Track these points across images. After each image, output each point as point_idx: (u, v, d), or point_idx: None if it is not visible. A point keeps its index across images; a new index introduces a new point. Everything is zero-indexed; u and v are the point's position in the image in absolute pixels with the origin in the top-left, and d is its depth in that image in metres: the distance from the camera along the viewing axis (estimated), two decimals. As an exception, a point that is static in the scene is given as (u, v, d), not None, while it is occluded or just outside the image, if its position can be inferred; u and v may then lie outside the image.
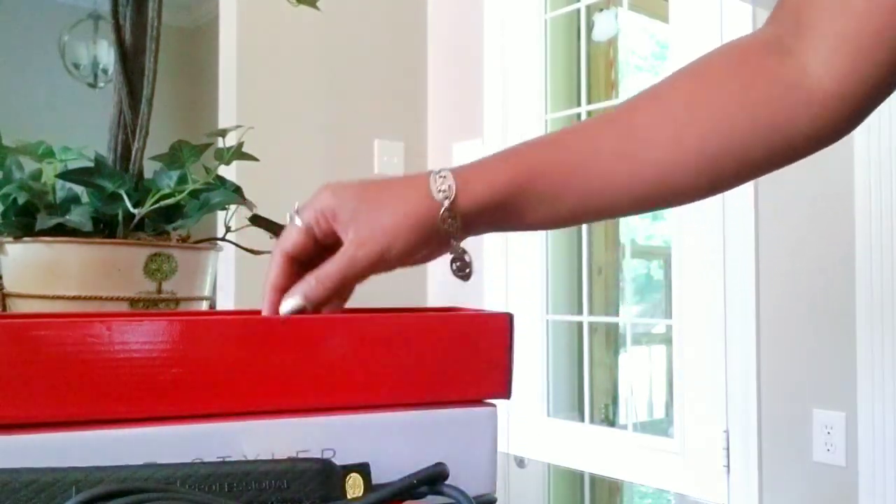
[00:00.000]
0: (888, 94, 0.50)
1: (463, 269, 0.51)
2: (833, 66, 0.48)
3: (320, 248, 0.50)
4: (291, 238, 0.49)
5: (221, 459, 0.39)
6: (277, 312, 0.48)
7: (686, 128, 0.50)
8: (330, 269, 0.47)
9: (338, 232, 0.48)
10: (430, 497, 0.39)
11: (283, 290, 0.48)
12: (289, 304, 0.47)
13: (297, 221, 0.49)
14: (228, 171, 0.78)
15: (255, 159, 0.75)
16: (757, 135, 0.49)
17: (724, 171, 0.50)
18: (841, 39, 0.48)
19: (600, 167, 0.50)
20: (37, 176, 0.69)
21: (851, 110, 0.50)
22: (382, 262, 0.48)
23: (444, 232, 0.48)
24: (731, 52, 0.52)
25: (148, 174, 0.72)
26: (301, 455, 0.40)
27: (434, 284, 2.66)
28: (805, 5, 0.50)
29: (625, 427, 2.49)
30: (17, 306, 0.67)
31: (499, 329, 0.45)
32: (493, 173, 0.50)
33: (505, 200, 0.50)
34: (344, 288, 0.48)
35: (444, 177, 0.49)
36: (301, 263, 0.49)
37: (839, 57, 0.48)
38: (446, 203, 0.48)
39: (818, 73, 0.49)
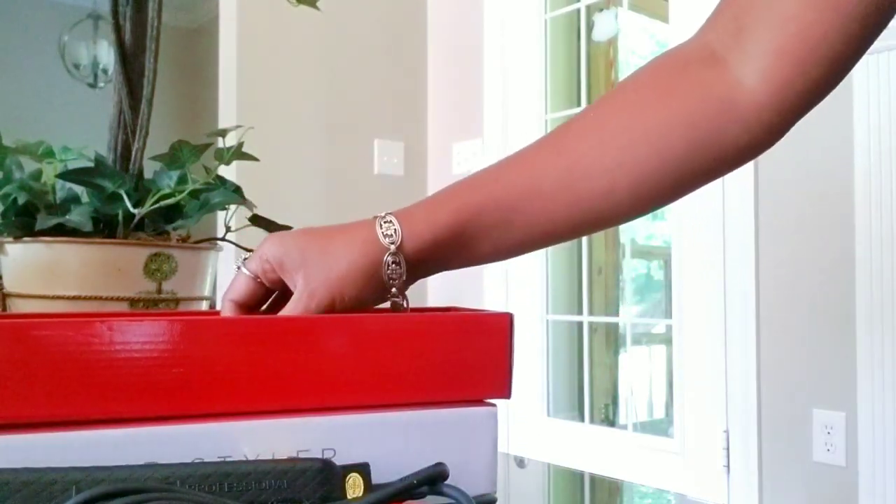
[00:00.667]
0: (816, 104, 0.51)
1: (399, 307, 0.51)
2: (770, 80, 0.49)
3: (268, 292, 0.51)
4: (239, 287, 0.50)
5: (222, 459, 0.39)
6: None
7: (624, 154, 0.50)
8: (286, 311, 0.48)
9: (286, 280, 0.49)
10: (430, 497, 0.39)
11: (246, 308, 0.50)
12: None
13: (245, 270, 0.50)
14: (228, 171, 0.78)
15: (255, 159, 0.75)
16: (692, 151, 0.50)
17: (661, 190, 0.52)
18: (779, 54, 0.49)
19: (542, 202, 0.51)
20: (37, 176, 0.69)
21: (784, 121, 0.51)
22: (334, 311, 0.48)
23: (387, 278, 0.49)
24: (668, 64, 0.53)
25: (148, 174, 0.72)
26: (301, 455, 0.40)
27: (434, 284, 2.66)
28: (744, 18, 0.51)
29: (625, 427, 2.49)
30: (18, 306, 0.67)
31: (499, 329, 0.45)
32: (435, 214, 0.50)
33: (448, 239, 0.50)
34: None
35: (390, 221, 0.49)
36: (250, 308, 0.51)
37: (776, 71, 0.49)
38: (392, 248, 0.48)
39: (753, 85, 0.50)
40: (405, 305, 0.50)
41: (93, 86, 4.07)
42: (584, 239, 2.56)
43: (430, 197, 0.52)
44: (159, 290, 0.67)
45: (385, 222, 0.49)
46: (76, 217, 0.66)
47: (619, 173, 0.50)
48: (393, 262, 0.48)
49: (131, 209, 0.67)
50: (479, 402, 0.45)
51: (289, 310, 0.48)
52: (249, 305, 0.51)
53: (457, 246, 0.51)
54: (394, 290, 0.49)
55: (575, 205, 0.51)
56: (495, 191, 0.51)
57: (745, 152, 0.52)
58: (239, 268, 0.51)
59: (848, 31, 0.48)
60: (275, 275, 0.49)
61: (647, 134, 0.50)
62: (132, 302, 0.65)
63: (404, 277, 0.49)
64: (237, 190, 0.72)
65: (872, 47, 0.51)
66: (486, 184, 0.52)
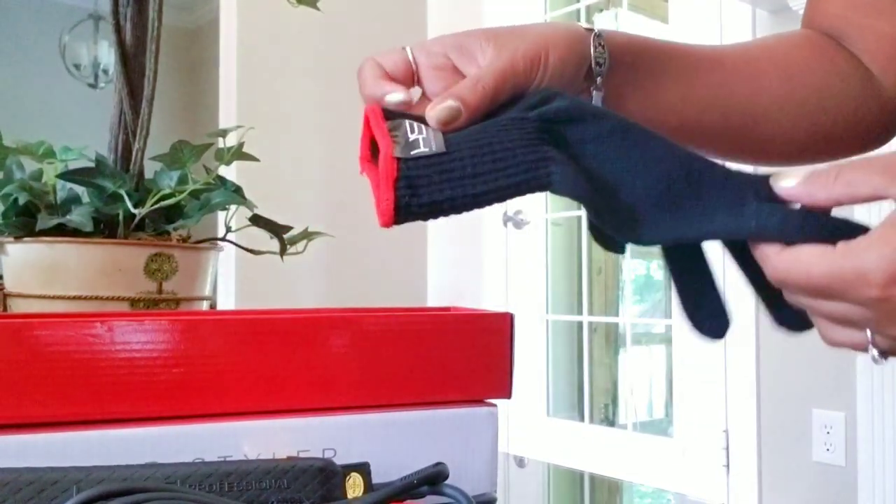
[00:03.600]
0: None
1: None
2: (890, 79, 0.53)
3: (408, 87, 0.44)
4: (390, 56, 0.44)
5: (222, 459, 0.39)
6: (403, 99, 0.42)
7: (792, 70, 0.52)
8: (487, 70, 0.41)
9: (462, 65, 0.43)
10: (429, 497, 0.39)
11: (390, 78, 0.44)
12: (444, 106, 0.40)
13: (407, 49, 0.44)
14: (229, 172, 0.78)
15: (256, 159, 0.75)
16: (844, 104, 0.53)
17: (813, 127, 0.53)
18: (884, 60, 0.53)
19: (724, 73, 0.51)
20: (37, 176, 0.70)
21: None
22: (536, 72, 0.42)
23: (593, 59, 0.45)
24: (809, 34, 0.56)
25: (148, 174, 0.72)
26: (301, 455, 0.40)
27: (434, 284, 2.66)
28: (839, 30, 0.55)
29: (624, 427, 2.49)
30: (18, 306, 0.67)
31: (500, 329, 0.45)
32: (624, 34, 0.48)
33: (643, 56, 0.48)
34: (495, 100, 0.42)
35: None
36: (394, 80, 0.44)
37: (887, 72, 0.53)
38: (597, 30, 0.46)
39: (877, 76, 0.54)
40: (599, 87, 0.46)
41: (93, 86, 4.07)
42: (584, 239, 2.55)
43: None
44: (160, 291, 0.67)
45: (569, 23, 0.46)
46: (77, 217, 0.66)
47: (792, 97, 0.52)
48: (598, 44, 0.45)
49: (132, 209, 0.67)
50: (479, 402, 0.45)
51: (492, 61, 0.41)
52: (395, 78, 0.44)
53: (647, 67, 0.48)
54: (598, 79, 0.45)
55: (753, 94, 0.52)
56: (686, 51, 0.51)
57: (884, 126, 0.55)
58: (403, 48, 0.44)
59: None
60: (442, 61, 0.43)
61: (811, 73, 0.52)
62: (133, 302, 0.66)
63: (608, 64, 0.45)
64: (237, 190, 0.72)
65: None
66: (676, 45, 0.51)
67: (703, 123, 0.51)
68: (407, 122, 0.40)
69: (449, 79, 0.43)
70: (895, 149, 0.56)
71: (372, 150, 0.41)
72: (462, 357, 0.44)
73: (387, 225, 0.37)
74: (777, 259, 0.36)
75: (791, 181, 0.37)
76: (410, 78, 0.44)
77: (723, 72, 0.51)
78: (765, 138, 0.53)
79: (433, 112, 0.40)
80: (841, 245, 0.35)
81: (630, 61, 0.48)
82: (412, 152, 0.38)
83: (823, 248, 0.35)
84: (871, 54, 0.54)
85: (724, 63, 0.52)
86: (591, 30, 0.46)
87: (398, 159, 0.37)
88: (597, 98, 0.46)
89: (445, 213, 0.37)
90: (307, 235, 0.76)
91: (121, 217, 0.67)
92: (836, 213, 0.38)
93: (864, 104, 0.53)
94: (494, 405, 0.45)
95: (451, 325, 0.44)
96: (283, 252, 0.75)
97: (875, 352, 0.36)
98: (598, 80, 0.45)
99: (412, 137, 0.39)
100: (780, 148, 0.54)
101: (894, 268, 0.33)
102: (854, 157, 0.54)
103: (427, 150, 0.38)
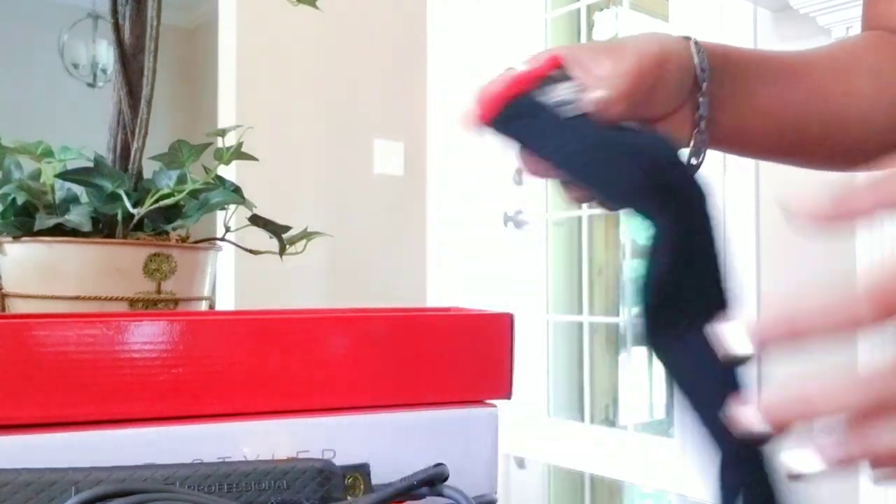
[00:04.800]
0: None
1: (702, 135, 0.45)
2: None
3: None
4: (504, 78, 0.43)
5: (221, 460, 0.39)
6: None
7: (882, 66, 0.52)
8: (627, 66, 0.41)
9: (586, 70, 0.42)
10: (429, 498, 0.39)
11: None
12: (595, 94, 0.40)
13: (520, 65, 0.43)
14: (228, 171, 0.78)
15: (255, 159, 0.75)
16: None
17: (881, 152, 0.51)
18: None
19: (817, 78, 0.50)
20: (36, 176, 0.69)
21: None
22: (664, 67, 0.42)
23: (697, 67, 0.44)
24: (878, 35, 0.56)
25: (147, 174, 0.72)
26: (301, 455, 0.40)
27: (434, 284, 2.66)
28: None
29: (625, 427, 2.49)
30: (17, 306, 0.67)
31: (500, 329, 0.45)
32: (717, 44, 0.48)
33: (735, 61, 0.47)
34: (639, 90, 0.42)
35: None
36: None
37: None
38: (692, 38, 0.45)
39: None
40: (705, 118, 0.45)
41: (92, 85, 4.07)
42: (585, 239, 2.55)
43: None
44: (159, 290, 0.67)
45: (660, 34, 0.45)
46: (75, 217, 0.66)
47: (884, 97, 0.51)
48: (697, 52, 0.45)
49: (130, 209, 0.67)
50: (479, 402, 0.45)
51: (619, 71, 0.41)
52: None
53: (740, 72, 0.47)
54: (704, 84, 0.45)
55: (840, 98, 0.51)
56: (776, 58, 0.50)
57: None
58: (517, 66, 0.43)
59: None
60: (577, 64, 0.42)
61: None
62: (131, 302, 0.65)
63: (709, 73, 0.45)
64: (236, 190, 0.72)
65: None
66: (764, 52, 0.51)
67: (800, 128, 0.50)
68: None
69: None
70: None
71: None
72: (462, 357, 0.44)
73: (483, 118, 0.39)
74: None
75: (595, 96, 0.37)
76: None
77: (815, 75, 0.50)
78: (861, 139, 0.52)
79: (591, 96, 0.40)
80: None
81: (724, 68, 0.47)
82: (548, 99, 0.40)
83: None
84: None
85: (814, 67, 0.51)
86: (687, 38, 0.45)
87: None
88: (703, 105, 0.45)
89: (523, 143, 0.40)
90: (307, 235, 0.76)
91: (119, 217, 0.67)
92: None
93: None
94: (495, 406, 0.45)
95: (451, 325, 0.44)
96: (282, 252, 0.75)
97: None
98: (704, 85, 0.45)
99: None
100: (876, 149, 0.52)
101: None
102: None
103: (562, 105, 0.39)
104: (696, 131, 0.46)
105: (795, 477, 0.31)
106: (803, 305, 0.30)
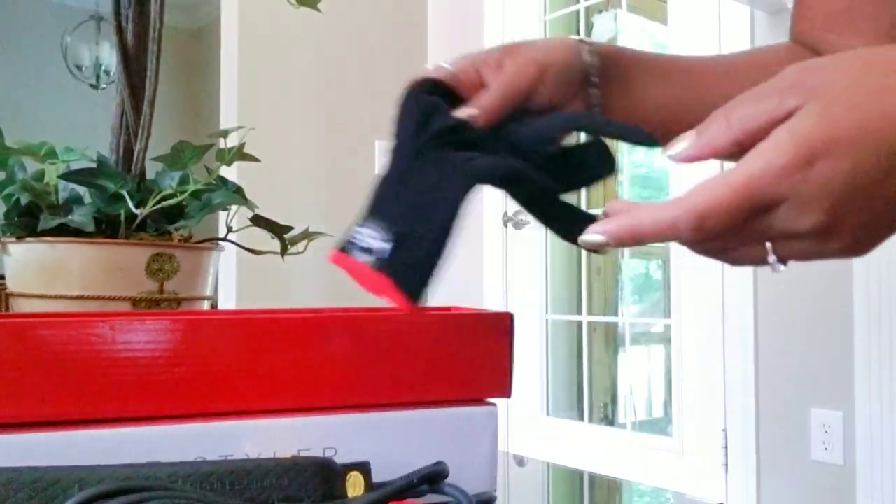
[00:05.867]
0: None
1: (602, 119, 0.51)
2: None
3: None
4: (435, 71, 0.50)
5: (223, 458, 0.39)
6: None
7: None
8: (503, 78, 0.48)
9: (486, 73, 0.49)
10: (429, 495, 0.39)
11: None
12: (463, 111, 0.47)
13: (445, 67, 0.50)
14: (230, 172, 0.78)
15: (257, 160, 0.75)
16: None
17: None
18: None
19: (706, 77, 0.55)
20: (39, 176, 0.70)
21: None
22: (543, 72, 0.49)
23: (584, 67, 0.51)
24: (789, 46, 0.60)
25: (150, 175, 0.72)
26: (302, 454, 0.41)
27: (434, 284, 2.66)
28: (817, 46, 0.58)
29: (624, 426, 2.49)
30: (20, 306, 0.67)
31: (500, 328, 0.46)
32: (612, 46, 0.54)
33: (629, 60, 0.53)
34: (513, 99, 0.48)
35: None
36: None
37: None
38: (586, 41, 0.51)
39: None
40: (595, 101, 0.51)
41: (95, 87, 4.07)
42: (584, 239, 2.56)
43: None
44: (161, 290, 0.67)
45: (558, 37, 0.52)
46: (78, 217, 0.66)
47: None
48: (588, 52, 0.51)
49: (133, 209, 0.67)
50: (479, 401, 0.46)
51: (506, 69, 0.48)
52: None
53: (635, 68, 0.53)
54: (593, 78, 0.51)
55: (723, 98, 0.55)
56: (667, 61, 0.56)
57: None
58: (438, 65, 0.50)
59: None
60: (473, 72, 0.49)
61: None
62: (134, 302, 0.66)
63: (598, 70, 0.51)
64: (238, 190, 0.72)
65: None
66: (658, 55, 0.56)
67: (682, 122, 0.54)
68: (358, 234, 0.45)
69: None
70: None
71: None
72: (462, 357, 0.45)
73: (410, 310, 0.42)
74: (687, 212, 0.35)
75: (683, 143, 0.38)
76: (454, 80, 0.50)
77: (702, 78, 0.55)
78: None
79: (459, 112, 0.47)
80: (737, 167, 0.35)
81: (615, 67, 0.53)
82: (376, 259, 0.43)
83: (719, 179, 0.35)
84: None
85: (703, 71, 0.56)
86: (582, 40, 0.52)
87: (381, 270, 0.43)
88: (594, 95, 0.52)
89: (437, 268, 0.44)
90: (308, 235, 0.76)
91: (122, 217, 0.68)
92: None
93: None
94: (494, 405, 0.46)
95: (451, 324, 0.45)
96: (283, 252, 0.75)
97: (774, 258, 0.39)
98: (593, 79, 0.51)
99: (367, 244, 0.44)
100: None
101: (800, 151, 0.33)
102: None
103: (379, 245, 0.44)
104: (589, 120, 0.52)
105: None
106: (643, 222, 0.36)
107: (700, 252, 0.39)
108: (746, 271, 1.95)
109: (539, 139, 0.46)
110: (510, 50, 0.50)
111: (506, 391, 0.46)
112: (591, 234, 0.37)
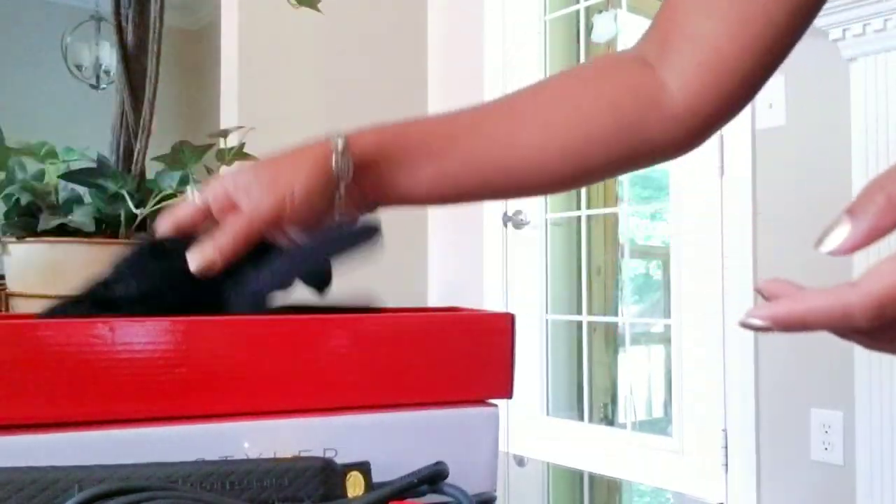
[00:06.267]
0: (734, 115, 0.57)
1: (361, 232, 0.51)
2: (688, 88, 0.55)
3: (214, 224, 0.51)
4: (182, 209, 0.51)
5: (223, 458, 0.39)
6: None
7: (554, 116, 0.55)
8: (237, 220, 0.48)
9: (236, 197, 0.50)
10: (430, 496, 0.39)
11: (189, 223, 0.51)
12: (198, 255, 0.47)
13: (195, 199, 0.51)
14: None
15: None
16: (617, 135, 0.55)
17: (587, 162, 0.56)
18: (699, 67, 0.54)
19: (480, 141, 0.55)
20: (40, 176, 0.70)
21: (701, 126, 0.56)
22: (286, 206, 0.49)
23: (335, 174, 0.50)
24: (605, 60, 0.60)
25: (150, 175, 0.72)
26: (303, 454, 0.41)
27: (434, 284, 2.66)
28: (671, 33, 0.56)
29: (624, 426, 2.49)
30: (20, 306, 0.67)
31: (501, 329, 0.46)
32: (384, 127, 0.54)
33: (393, 149, 0.53)
34: (251, 238, 0.49)
35: (338, 132, 0.52)
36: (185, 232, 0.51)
37: (693, 81, 0.54)
38: (339, 142, 0.51)
39: (674, 91, 0.55)
40: (369, 224, 0.51)
41: (95, 87, 4.07)
42: (584, 239, 2.56)
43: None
44: (161, 291, 0.67)
45: (332, 133, 0.52)
46: (78, 217, 0.66)
47: (549, 134, 0.55)
48: (340, 155, 0.50)
49: (133, 210, 0.67)
50: (480, 402, 0.46)
51: (243, 208, 0.49)
52: (185, 230, 0.51)
53: (399, 159, 0.53)
54: (342, 187, 0.51)
55: (509, 153, 0.55)
56: (443, 122, 0.56)
57: (665, 148, 0.57)
58: (189, 195, 0.51)
59: (756, 52, 0.53)
60: (226, 197, 0.50)
61: (578, 108, 0.55)
62: (134, 302, 0.66)
63: (351, 173, 0.51)
64: (238, 190, 0.72)
65: (868, 48, 0.53)
66: (437, 118, 0.57)
67: (463, 191, 0.56)
68: None
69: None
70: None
71: None
72: (463, 357, 0.45)
73: None
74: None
75: (840, 232, 0.34)
76: (205, 216, 0.51)
77: (476, 136, 0.55)
78: (528, 181, 0.57)
79: (191, 260, 0.47)
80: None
81: (381, 156, 0.52)
82: None
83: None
84: (683, 60, 0.55)
85: (480, 126, 0.55)
86: (339, 143, 0.51)
87: None
88: (338, 202, 0.51)
89: None
90: (307, 236, 0.76)
91: (122, 217, 0.68)
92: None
93: (644, 128, 0.55)
94: (495, 405, 0.46)
95: (452, 325, 0.45)
96: (283, 252, 0.75)
97: None
98: (341, 185, 0.51)
99: None
100: (546, 183, 0.57)
101: None
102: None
103: None
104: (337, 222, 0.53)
105: None
106: (810, 310, 0.32)
107: (872, 345, 0.35)
108: (747, 270, 1.95)
109: (260, 294, 0.47)
110: (261, 175, 0.50)
111: (507, 392, 0.46)
112: (753, 319, 0.33)
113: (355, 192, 0.52)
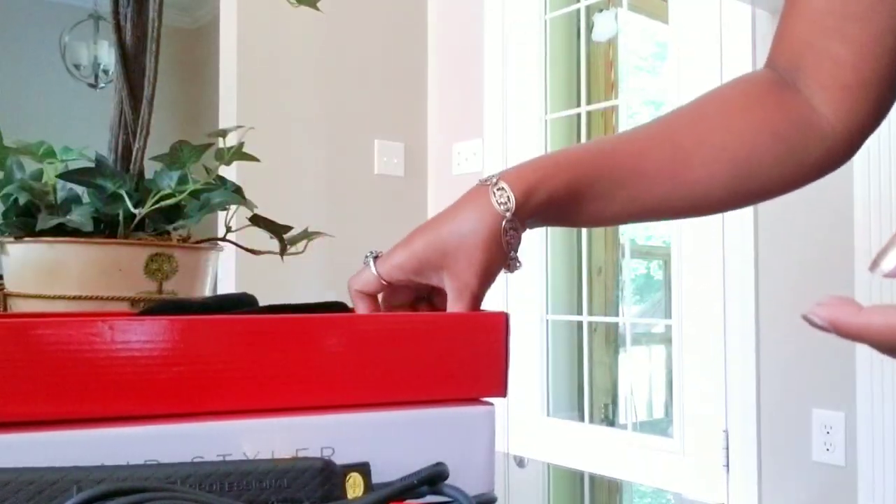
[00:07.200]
0: (881, 121, 0.59)
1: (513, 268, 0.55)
2: (835, 109, 0.57)
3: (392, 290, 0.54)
4: (365, 280, 0.53)
5: (222, 458, 0.39)
6: None
7: (721, 152, 0.57)
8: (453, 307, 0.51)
9: (427, 281, 0.52)
10: (430, 496, 0.39)
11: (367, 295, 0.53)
12: None
13: (373, 269, 0.52)
14: (229, 172, 0.78)
15: (256, 159, 0.75)
16: (783, 160, 0.57)
17: (749, 189, 0.58)
18: (843, 91, 0.56)
19: (647, 183, 0.56)
20: (38, 176, 0.70)
21: (854, 142, 0.59)
22: (490, 283, 0.52)
23: (506, 245, 0.52)
24: (745, 84, 0.60)
25: (149, 174, 0.72)
26: (301, 454, 0.40)
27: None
28: (806, 57, 0.58)
29: (624, 427, 2.49)
30: (18, 306, 0.67)
31: (495, 328, 0.46)
32: (550, 181, 0.54)
33: (559, 204, 0.55)
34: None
35: (502, 189, 0.52)
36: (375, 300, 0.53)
37: (839, 103, 0.57)
38: (508, 215, 0.52)
39: (826, 113, 0.57)
40: (519, 265, 0.55)
41: (93, 86, 4.07)
42: (584, 239, 2.56)
43: (536, 161, 0.56)
44: (160, 291, 0.67)
45: (497, 189, 0.52)
46: (77, 217, 0.66)
47: (716, 170, 0.56)
48: (511, 229, 0.52)
49: (132, 209, 0.67)
50: (476, 400, 0.46)
51: (456, 308, 0.50)
52: (372, 296, 0.53)
53: (565, 211, 0.56)
54: (513, 252, 0.53)
55: (677, 189, 0.57)
56: (607, 164, 0.56)
57: (823, 167, 0.59)
58: (367, 262, 0.53)
59: (891, 69, 0.56)
60: (407, 279, 0.52)
61: (741, 138, 0.57)
62: (133, 302, 0.66)
63: (519, 244, 0.54)
64: (238, 190, 0.72)
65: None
66: (598, 156, 0.57)
67: (624, 221, 0.59)
68: None
69: (409, 293, 0.54)
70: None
71: None
72: (459, 356, 0.45)
73: None
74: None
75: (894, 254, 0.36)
76: (380, 288, 0.53)
77: (642, 180, 0.56)
78: (691, 212, 0.59)
79: None
80: None
81: (546, 212, 0.55)
82: None
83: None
84: (825, 84, 0.57)
85: (644, 169, 0.56)
86: (506, 212, 0.52)
87: None
88: (512, 263, 0.54)
89: None
90: (307, 235, 0.76)
91: (121, 217, 0.67)
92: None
93: (800, 148, 0.57)
94: (492, 404, 0.46)
95: (447, 324, 0.45)
96: (283, 252, 0.75)
97: None
98: (513, 252, 0.53)
99: None
100: (707, 211, 0.59)
101: None
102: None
103: None
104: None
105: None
106: (869, 326, 0.35)
107: None
108: (748, 269, 1.95)
109: None
110: (450, 260, 0.51)
111: (502, 391, 0.46)
112: (814, 316, 0.36)
113: (521, 233, 0.54)
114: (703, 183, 0.57)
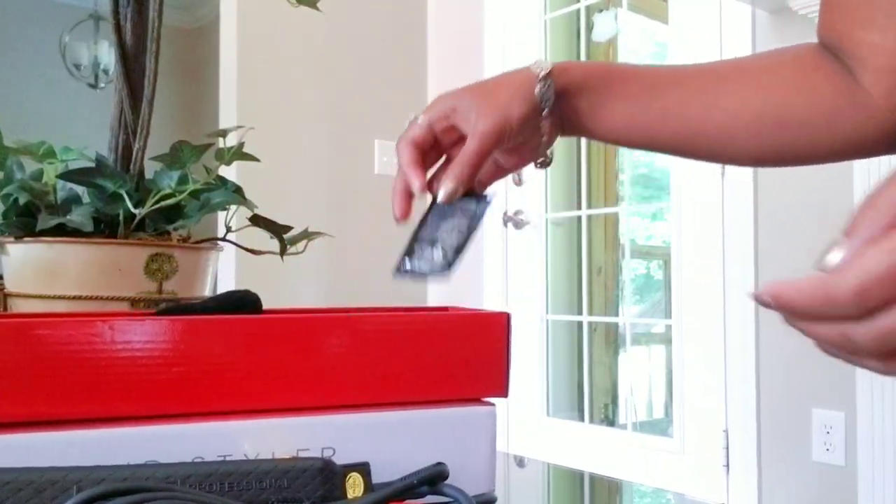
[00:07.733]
0: None
1: (544, 153, 0.58)
2: (880, 90, 0.56)
3: (436, 145, 0.57)
4: (414, 131, 0.56)
5: (222, 458, 0.39)
6: (420, 188, 0.54)
7: (757, 89, 0.57)
8: (467, 150, 0.53)
9: (458, 123, 0.55)
10: (430, 496, 0.39)
11: (420, 165, 0.55)
12: (446, 188, 0.53)
13: (420, 120, 0.56)
14: (229, 172, 0.78)
15: (256, 159, 0.75)
16: (813, 119, 0.57)
17: (775, 141, 0.57)
18: (882, 72, 0.56)
19: (683, 95, 0.57)
20: (38, 176, 0.70)
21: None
22: (506, 130, 0.54)
23: (538, 100, 0.54)
24: (801, 47, 0.60)
25: (149, 174, 0.72)
26: (301, 454, 0.40)
27: (434, 284, 2.66)
28: (846, 40, 0.57)
29: (624, 427, 2.49)
30: (18, 306, 0.67)
31: (496, 328, 0.45)
32: (590, 65, 0.58)
33: (598, 82, 0.57)
34: (482, 163, 0.54)
35: (541, 61, 0.56)
36: (424, 152, 0.56)
37: (884, 84, 0.56)
38: (542, 73, 0.55)
39: (870, 90, 0.56)
40: (551, 155, 0.57)
41: (94, 86, 4.07)
42: (584, 239, 2.56)
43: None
44: (160, 290, 0.67)
45: (537, 62, 0.56)
46: (77, 217, 0.66)
47: (752, 103, 0.57)
48: (543, 84, 0.55)
49: (132, 209, 0.67)
50: (477, 400, 0.46)
51: (469, 140, 0.53)
52: (422, 149, 0.56)
53: (596, 104, 0.57)
54: (545, 111, 0.55)
55: (707, 112, 0.57)
56: (648, 73, 0.58)
57: (858, 145, 0.58)
58: (414, 119, 0.56)
59: None
60: (447, 122, 0.55)
61: (781, 85, 0.57)
62: (133, 302, 0.66)
63: (552, 101, 0.55)
64: (237, 190, 0.72)
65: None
66: (640, 67, 0.59)
67: (653, 140, 0.59)
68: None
69: (454, 135, 0.57)
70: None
71: None
72: (460, 356, 0.44)
73: None
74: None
75: (837, 253, 0.35)
76: (433, 140, 0.56)
77: (679, 91, 0.57)
78: (715, 147, 0.59)
79: (441, 194, 0.54)
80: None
81: (580, 90, 0.57)
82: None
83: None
84: (864, 65, 0.56)
85: (683, 83, 0.58)
86: (541, 72, 0.55)
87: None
88: (545, 126, 0.56)
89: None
90: (307, 235, 0.76)
91: (121, 217, 0.67)
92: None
93: (840, 118, 0.56)
94: (493, 404, 0.46)
95: (448, 324, 0.45)
96: (283, 252, 0.75)
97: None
98: (545, 111, 0.55)
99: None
100: (735, 155, 0.60)
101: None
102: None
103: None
104: (538, 157, 0.59)
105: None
106: (799, 290, 0.35)
107: (886, 370, 0.36)
108: (748, 270, 1.95)
109: None
110: (478, 100, 0.54)
111: (503, 391, 0.46)
112: (760, 293, 0.35)
113: (556, 118, 0.56)
114: (731, 116, 0.57)
